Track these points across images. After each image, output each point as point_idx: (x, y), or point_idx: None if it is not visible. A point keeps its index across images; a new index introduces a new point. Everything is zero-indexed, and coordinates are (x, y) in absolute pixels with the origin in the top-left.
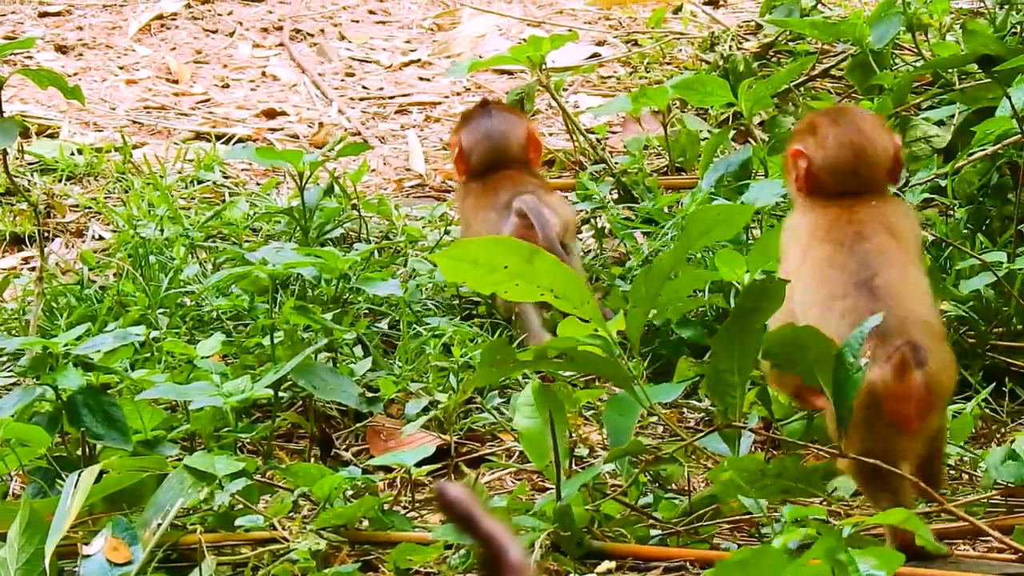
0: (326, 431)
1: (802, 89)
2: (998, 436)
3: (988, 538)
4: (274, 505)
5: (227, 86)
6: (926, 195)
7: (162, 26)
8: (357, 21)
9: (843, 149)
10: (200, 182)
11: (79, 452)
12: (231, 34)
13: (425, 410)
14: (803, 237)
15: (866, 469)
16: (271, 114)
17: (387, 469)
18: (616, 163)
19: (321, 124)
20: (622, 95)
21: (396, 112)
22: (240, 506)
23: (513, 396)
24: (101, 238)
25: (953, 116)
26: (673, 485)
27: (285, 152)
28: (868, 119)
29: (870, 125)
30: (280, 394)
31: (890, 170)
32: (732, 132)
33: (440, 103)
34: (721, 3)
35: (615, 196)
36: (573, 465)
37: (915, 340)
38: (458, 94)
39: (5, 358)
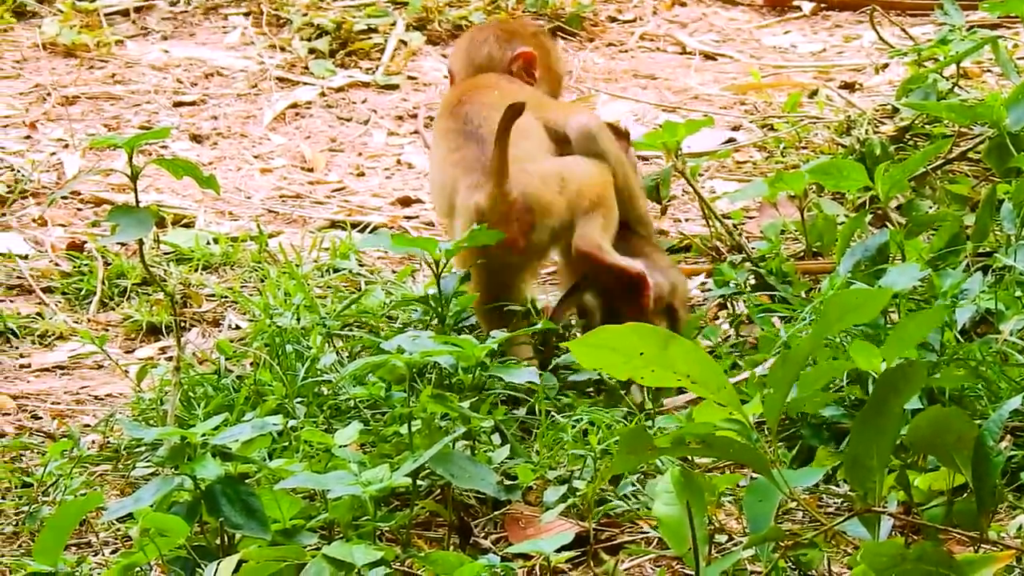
0: (464, 519)
1: (939, 172)
2: None
3: None
4: None
5: (362, 174)
6: None
7: (296, 114)
8: None
9: (457, 48)
10: (336, 270)
11: (218, 542)
12: (365, 122)
13: (563, 497)
14: (438, 111)
15: (489, 310)
16: (406, 202)
17: (526, 557)
18: (753, 248)
19: None
20: (758, 180)
21: None
22: None
23: (650, 481)
24: (238, 327)
25: None
26: (813, 571)
27: (421, 240)
28: (488, 28)
29: (483, 33)
30: (418, 482)
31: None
32: (869, 216)
33: None
34: (857, 87)
35: (752, 282)
36: (713, 551)
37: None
38: None
39: (143, 448)
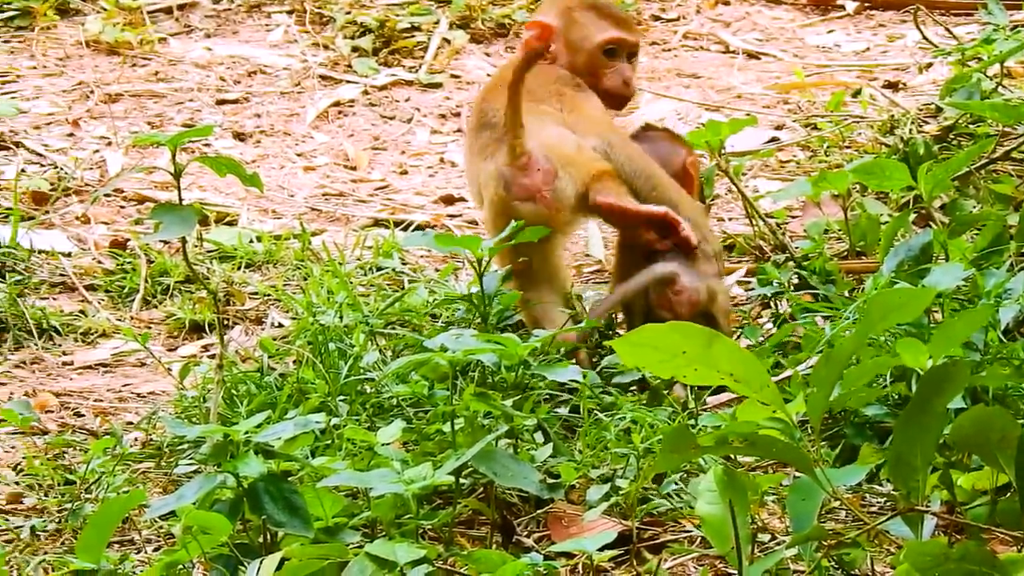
0: (507, 517)
1: (983, 172)
2: None
3: None
4: None
5: (405, 172)
6: None
7: (339, 113)
8: None
9: None
10: (379, 269)
11: (260, 540)
12: (409, 120)
13: (606, 496)
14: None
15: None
16: (449, 200)
17: (569, 555)
18: (796, 248)
19: None
20: (802, 179)
21: None
22: None
23: (693, 480)
24: (280, 325)
25: None
26: (856, 571)
27: (464, 238)
28: None
29: None
30: (461, 481)
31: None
32: (912, 216)
33: None
34: (901, 86)
35: (795, 281)
36: (755, 551)
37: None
38: None
39: (186, 446)
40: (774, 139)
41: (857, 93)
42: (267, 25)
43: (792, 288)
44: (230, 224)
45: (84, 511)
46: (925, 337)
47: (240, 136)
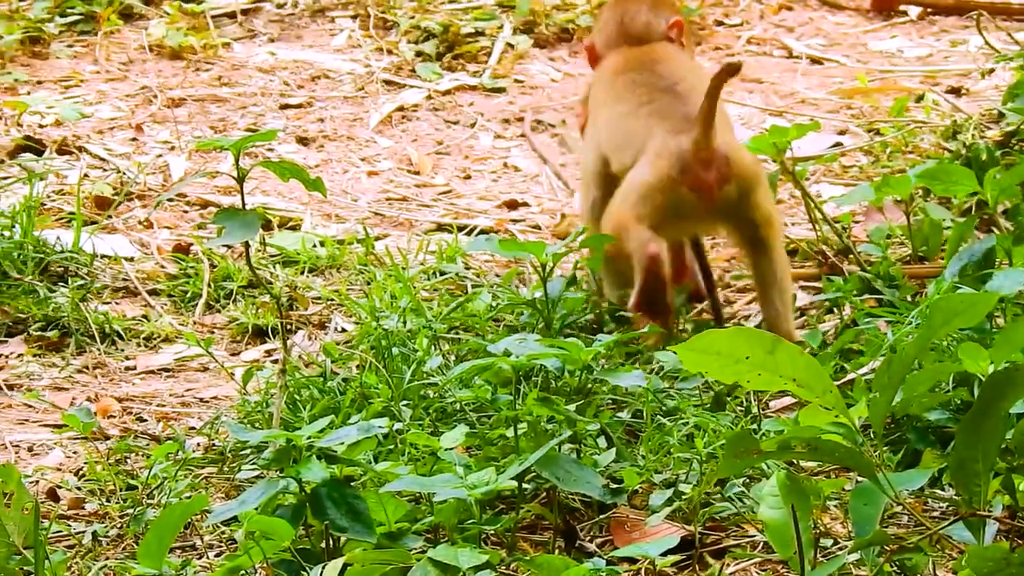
0: (570, 523)
1: None
2: None
3: None
4: None
5: (469, 177)
6: None
7: (403, 117)
8: None
9: (605, 21)
10: (442, 273)
11: (323, 545)
12: (472, 125)
13: (669, 501)
14: (606, 76)
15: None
16: (513, 205)
17: (632, 560)
18: (860, 253)
19: (563, 215)
20: (865, 184)
21: None
22: None
23: (755, 484)
24: (344, 330)
25: None
26: (918, 575)
27: (527, 244)
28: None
29: (633, 4)
30: (524, 486)
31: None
32: (976, 221)
33: None
34: (963, 92)
35: (858, 285)
36: (818, 555)
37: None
38: None
39: (249, 451)
40: (837, 144)
41: (920, 98)
42: (331, 30)
43: (855, 292)
44: (293, 228)
45: (146, 516)
46: (987, 342)
47: (303, 140)
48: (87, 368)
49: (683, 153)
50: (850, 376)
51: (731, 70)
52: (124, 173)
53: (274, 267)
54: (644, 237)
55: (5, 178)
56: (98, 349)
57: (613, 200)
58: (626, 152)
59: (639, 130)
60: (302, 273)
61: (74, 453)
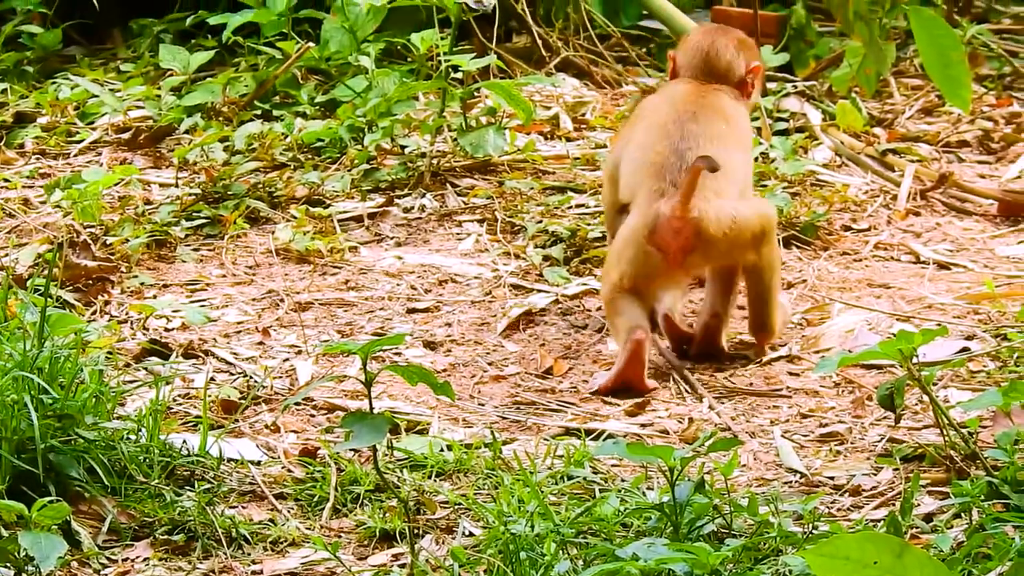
0: None
1: None
2: None
3: None
4: None
5: None
6: None
7: (530, 322)
8: None
9: (693, 46)
10: (570, 478)
11: None
12: (600, 330)
13: None
14: (658, 101)
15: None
16: (640, 408)
17: None
18: (988, 458)
19: (691, 419)
20: (992, 390)
21: (766, 408)
22: None
23: None
24: (471, 534)
25: None
26: None
27: (656, 448)
28: (726, 35)
29: (724, 39)
30: None
31: (739, 81)
32: None
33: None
34: None
35: (986, 491)
36: None
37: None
38: (828, 389)
39: None
40: (964, 349)
41: None
42: (458, 234)
43: (982, 497)
44: (420, 433)
45: None
46: None
47: (431, 345)
48: (213, 572)
49: (659, 216)
50: None
51: (708, 167)
52: (251, 377)
53: (401, 471)
54: (632, 320)
55: (131, 381)
56: (224, 553)
57: (609, 253)
58: (624, 187)
59: (638, 178)
60: (429, 477)
61: None
